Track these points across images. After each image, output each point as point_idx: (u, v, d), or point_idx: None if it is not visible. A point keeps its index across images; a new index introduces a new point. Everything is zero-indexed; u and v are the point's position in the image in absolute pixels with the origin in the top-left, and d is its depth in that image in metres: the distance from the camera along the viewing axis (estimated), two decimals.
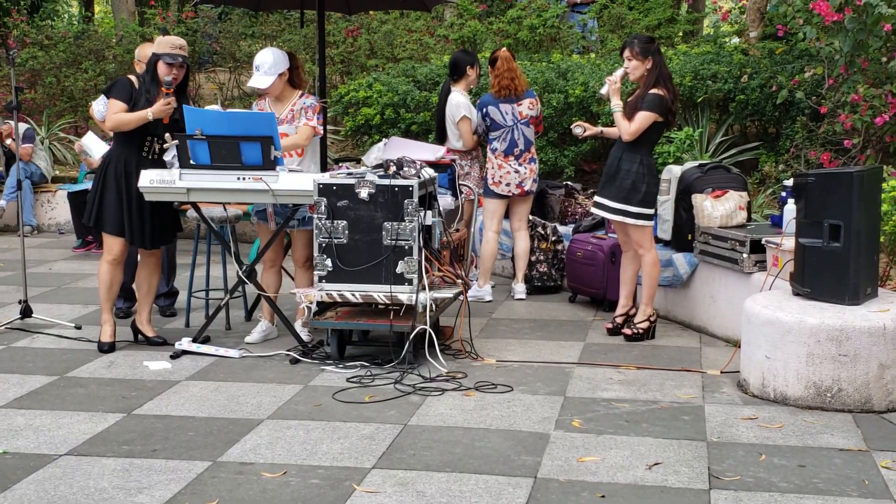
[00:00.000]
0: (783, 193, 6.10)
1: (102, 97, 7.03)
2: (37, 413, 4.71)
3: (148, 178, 5.53)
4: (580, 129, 6.24)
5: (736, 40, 10.35)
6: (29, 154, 10.42)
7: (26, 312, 6.37)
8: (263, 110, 5.93)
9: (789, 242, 5.35)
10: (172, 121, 5.61)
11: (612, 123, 6.24)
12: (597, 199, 6.14)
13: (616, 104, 5.94)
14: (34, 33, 13.15)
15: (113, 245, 5.73)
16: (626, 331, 6.10)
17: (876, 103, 6.89)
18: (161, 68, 5.61)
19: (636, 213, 5.93)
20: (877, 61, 7.06)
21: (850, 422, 4.58)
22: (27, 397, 4.97)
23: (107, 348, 5.78)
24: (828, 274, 4.90)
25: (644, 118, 5.83)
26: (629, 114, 5.90)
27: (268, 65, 5.80)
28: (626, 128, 5.87)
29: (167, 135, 5.54)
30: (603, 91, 6.04)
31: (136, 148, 5.69)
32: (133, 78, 5.73)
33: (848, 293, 4.87)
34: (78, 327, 6.31)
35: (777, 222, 6.04)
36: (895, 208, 5.40)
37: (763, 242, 5.77)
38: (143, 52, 6.55)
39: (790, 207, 5.68)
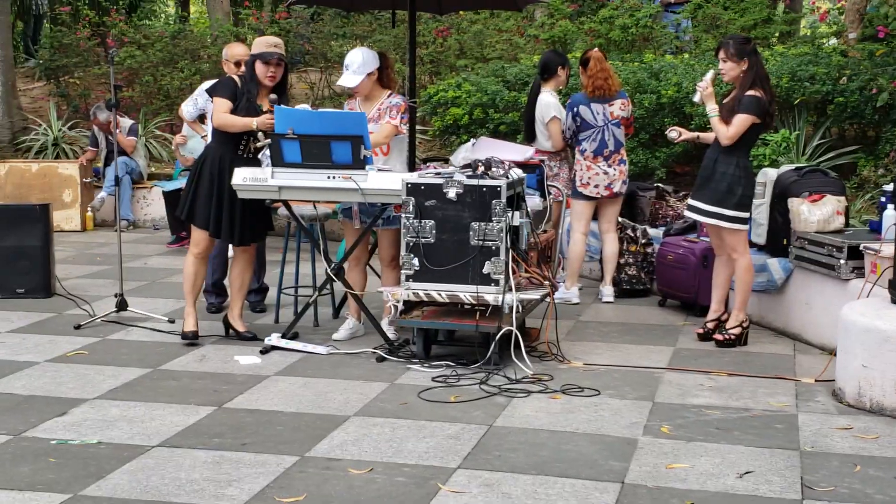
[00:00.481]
0: (882, 198, 5.93)
1: (191, 99, 7.16)
2: (130, 404, 4.83)
3: (241, 176, 5.63)
4: (675, 133, 6.18)
5: (834, 41, 10.09)
6: (133, 147, 10.71)
7: (122, 306, 6.54)
8: (353, 110, 5.99)
9: (888, 249, 5.19)
10: None
11: (706, 125, 6.14)
12: (690, 201, 6.03)
13: (712, 109, 5.83)
14: (132, 33, 13.52)
15: (200, 239, 5.86)
16: (718, 336, 5.99)
17: None
18: (259, 68, 5.74)
19: (731, 216, 5.82)
20: None
21: None
22: (121, 389, 5.09)
23: (191, 336, 5.90)
24: None
25: (742, 121, 5.72)
26: (726, 117, 5.79)
27: (357, 64, 5.86)
28: (725, 132, 5.77)
29: (260, 133, 5.63)
30: (696, 98, 5.95)
31: (232, 146, 5.80)
32: (236, 78, 5.86)
33: None
34: (171, 321, 6.45)
35: (876, 228, 5.87)
36: None
37: (861, 248, 5.61)
38: (231, 51, 6.67)
39: (890, 213, 5.53)
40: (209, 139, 6.70)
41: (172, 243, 9.58)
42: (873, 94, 7.94)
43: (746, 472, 3.98)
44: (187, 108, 7.18)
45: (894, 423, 4.57)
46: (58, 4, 15.82)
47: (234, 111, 5.72)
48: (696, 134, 6.31)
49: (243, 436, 4.39)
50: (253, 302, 6.84)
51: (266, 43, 5.81)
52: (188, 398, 4.92)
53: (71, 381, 5.21)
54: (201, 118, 7.24)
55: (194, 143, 8.62)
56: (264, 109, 5.73)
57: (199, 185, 5.82)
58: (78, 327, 6.30)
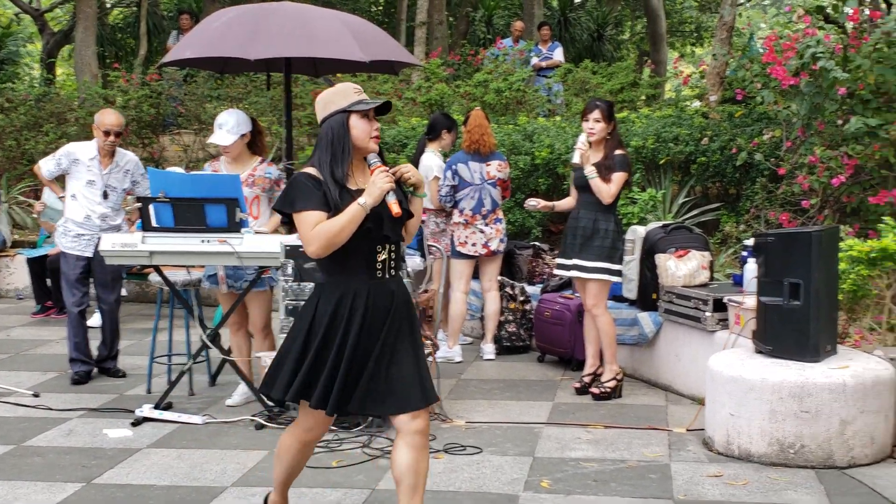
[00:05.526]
0: (744, 253, 6.17)
1: (52, 157, 6.75)
2: None
3: (110, 242, 5.49)
4: (534, 202, 6.35)
5: (697, 104, 10.54)
6: None
7: None
8: (217, 171, 5.93)
9: (751, 301, 5.40)
10: None
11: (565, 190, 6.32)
12: (576, 261, 6.11)
13: (591, 170, 6.00)
14: None
15: (318, 420, 3.75)
16: (594, 390, 6.11)
17: (832, 164, 7.02)
18: (359, 126, 3.62)
19: (616, 270, 6.04)
20: (832, 124, 7.21)
21: (813, 478, 4.59)
22: None
23: None
24: (789, 332, 4.94)
25: (621, 178, 5.97)
26: (604, 176, 5.97)
27: (231, 124, 5.84)
28: (607, 190, 5.97)
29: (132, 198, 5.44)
30: (576, 159, 6.09)
31: (364, 272, 3.61)
32: (312, 172, 3.59)
33: (808, 350, 4.91)
34: (36, 395, 6.20)
35: (739, 281, 6.09)
36: (853, 267, 5.48)
37: (725, 301, 5.82)
38: (103, 119, 6.44)
39: (751, 267, 5.74)
40: (67, 204, 6.49)
41: (37, 313, 9.25)
42: (733, 154, 8.29)
43: None
44: (46, 166, 6.64)
45: (762, 469, 4.73)
46: None
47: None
48: (552, 203, 6.44)
49: None
50: (110, 368, 6.70)
51: (354, 89, 3.67)
52: (54, 475, 4.72)
53: None
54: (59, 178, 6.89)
55: (52, 211, 8.33)
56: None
57: (324, 353, 3.56)
58: None
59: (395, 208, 3.49)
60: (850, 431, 4.74)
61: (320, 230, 3.44)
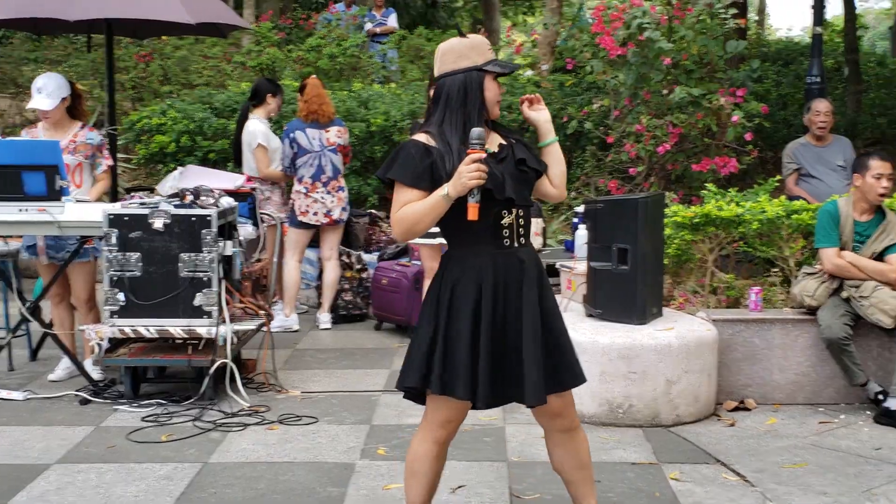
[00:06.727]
0: (575, 220, 6.34)
1: None
2: None
3: None
4: None
5: (529, 73, 10.73)
6: None
7: None
8: (36, 138, 5.66)
9: (582, 266, 5.54)
10: None
11: None
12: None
13: None
14: None
15: (456, 411, 3.29)
16: None
17: (658, 133, 7.28)
18: (491, 88, 3.25)
19: None
20: (658, 93, 7.47)
21: (641, 436, 4.78)
22: None
23: None
24: (617, 295, 5.10)
25: None
26: None
27: (50, 88, 5.59)
28: None
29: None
30: None
31: (489, 242, 3.25)
32: (423, 139, 3.18)
33: (636, 313, 5.08)
34: None
35: (570, 247, 6.26)
36: (677, 232, 5.70)
37: (557, 266, 5.96)
38: None
39: (582, 233, 5.90)
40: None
41: None
42: (564, 122, 8.48)
43: (459, 487, 4.11)
44: None
45: (592, 429, 4.87)
46: None
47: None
48: None
49: None
50: None
51: (488, 46, 3.26)
52: None
53: None
54: None
55: None
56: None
57: (459, 336, 3.16)
58: None
59: (472, 213, 3.05)
60: (675, 391, 4.94)
61: (403, 215, 3.10)
